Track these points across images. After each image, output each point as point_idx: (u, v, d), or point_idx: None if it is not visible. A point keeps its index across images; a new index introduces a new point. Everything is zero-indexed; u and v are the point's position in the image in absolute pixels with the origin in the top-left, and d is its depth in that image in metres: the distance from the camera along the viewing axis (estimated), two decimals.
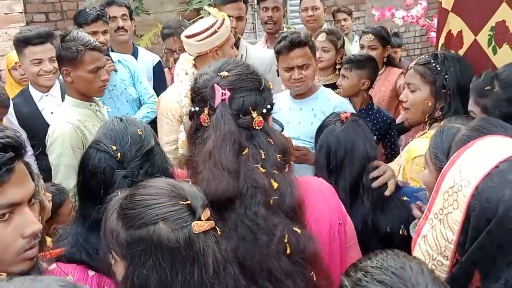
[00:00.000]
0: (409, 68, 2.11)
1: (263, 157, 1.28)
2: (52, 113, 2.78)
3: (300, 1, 4.15)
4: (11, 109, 2.68)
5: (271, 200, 1.25)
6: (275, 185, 1.27)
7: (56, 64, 2.71)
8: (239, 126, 1.29)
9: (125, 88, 3.26)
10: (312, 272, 1.24)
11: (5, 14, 4.32)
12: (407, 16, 3.42)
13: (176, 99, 2.66)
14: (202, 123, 1.31)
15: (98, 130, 1.56)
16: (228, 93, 1.29)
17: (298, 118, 2.49)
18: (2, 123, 2.47)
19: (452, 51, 2.14)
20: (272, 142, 1.32)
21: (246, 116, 1.29)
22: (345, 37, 4.23)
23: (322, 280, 1.25)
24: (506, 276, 0.77)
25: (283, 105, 2.56)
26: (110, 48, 3.40)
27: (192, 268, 1.04)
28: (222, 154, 1.25)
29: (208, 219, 1.09)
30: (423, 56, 2.10)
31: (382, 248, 1.59)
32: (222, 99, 1.28)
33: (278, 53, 2.50)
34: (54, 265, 1.31)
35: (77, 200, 1.57)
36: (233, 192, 1.23)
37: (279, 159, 1.30)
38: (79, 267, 1.34)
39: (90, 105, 2.49)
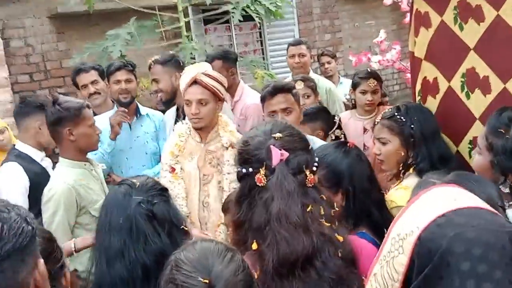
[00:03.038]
0: (376, 123, 2.21)
1: (322, 212, 1.35)
2: (53, 169, 2.86)
3: (287, 49, 4.34)
4: (21, 172, 2.75)
5: (339, 253, 1.31)
6: (341, 238, 1.33)
7: None
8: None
9: (146, 141, 3.35)
10: None
11: None
12: (383, 60, 3.56)
13: (170, 150, 2.72)
14: (258, 184, 1.35)
15: None
16: (286, 154, 1.35)
17: None
18: None
19: (430, 97, 2.24)
20: (324, 198, 1.39)
21: (301, 174, 1.36)
22: (328, 80, 4.38)
23: None
24: None
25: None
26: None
27: None
28: (293, 213, 1.30)
29: None
30: (386, 110, 2.23)
31: None
32: (281, 160, 1.34)
33: (262, 100, 2.58)
34: None
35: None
36: (311, 249, 1.28)
37: (333, 214, 1.37)
38: None
39: (85, 164, 2.59)
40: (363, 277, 1.32)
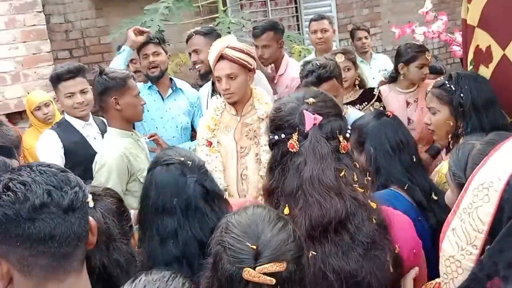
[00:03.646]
0: (427, 92, 2.15)
1: (355, 179, 1.34)
2: (95, 138, 2.95)
3: (309, 24, 4.27)
4: (56, 139, 2.85)
5: (373, 219, 1.30)
6: (374, 205, 1.32)
7: (88, 96, 2.93)
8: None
9: (178, 114, 3.38)
10: None
11: (33, 54, 4.45)
12: (428, 32, 3.42)
13: (206, 124, 2.72)
14: (290, 149, 1.34)
15: None
16: (319, 118, 1.34)
17: None
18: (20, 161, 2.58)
19: (482, 66, 2.16)
20: (357, 165, 1.37)
21: (334, 140, 1.34)
22: (360, 57, 4.28)
23: None
24: None
25: None
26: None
27: None
28: (327, 177, 1.29)
29: (266, 274, 1.03)
30: (439, 78, 2.18)
31: None
32: (314, 124, 1.33)
33: (305, 86, 2.52)
34: None
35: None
36: (344, 213, 1.27)
37: (366, 182, 1.36)
38: None
39: (132, 134, 2.66)
40: (397, 245, 1.31)
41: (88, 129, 3.01)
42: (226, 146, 2.61)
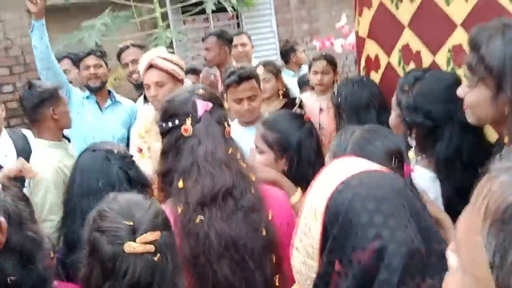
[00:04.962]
0: None
1: (239, 156, 1.56)
2: (6, 156, 2.91)
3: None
4: None
5: (252, 189, 1.52)
6: (253, 177, 1.55)
7: None
8: None
9: (115, 125, 3.52)
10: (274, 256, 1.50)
11: None
12: (345, 44, 3.70)
13: (137, 131, 2.86)
14: (184, 133, 1.54)
15: None
16: (211, 104, 1.56)
17: (250, 143, 2.68)
18: None
19: (373, 72, 2.40)
20: (238, 146, 1.60)
21: (221, 125, 1.57)
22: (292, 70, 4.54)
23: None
24: (355, 258, 0.98)
25: (235, 131, 2.77)
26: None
27: (113, 282, 1.18)
28: (219, 153, 1.51)
29: (146, 243, 1.17)
30: None
31: None
32: (206, 110, 1.54)
33: (227, 86, 2.71)
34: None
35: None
36: (231, 182, 1.48)
37: (245, 161, 1.59)
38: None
39: (62, 144, 2.68)
40: (270, 213, 1.53)
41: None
42: (156, 152, 2.74)
